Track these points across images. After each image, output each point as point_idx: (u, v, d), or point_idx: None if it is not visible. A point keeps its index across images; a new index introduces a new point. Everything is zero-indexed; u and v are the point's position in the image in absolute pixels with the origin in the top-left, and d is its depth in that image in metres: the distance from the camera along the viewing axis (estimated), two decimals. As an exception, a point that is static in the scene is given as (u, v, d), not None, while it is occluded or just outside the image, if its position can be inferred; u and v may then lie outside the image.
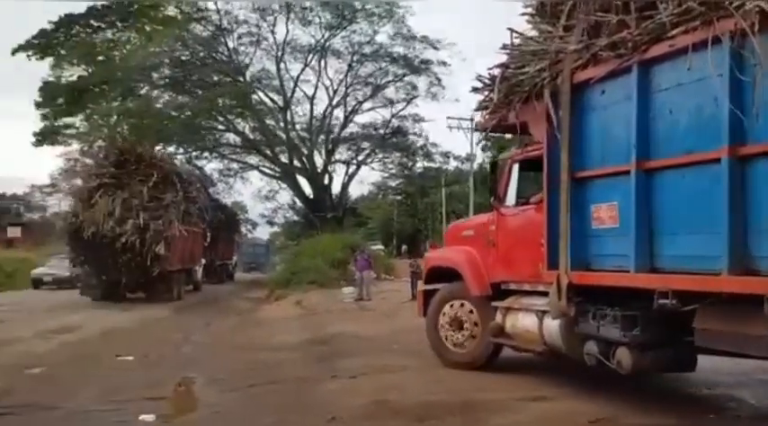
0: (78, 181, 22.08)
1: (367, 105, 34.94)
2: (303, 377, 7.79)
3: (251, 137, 33.68)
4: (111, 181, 19.19)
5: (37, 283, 27.01)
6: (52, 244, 36.17)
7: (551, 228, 6.07)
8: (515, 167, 7.18)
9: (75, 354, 9.98)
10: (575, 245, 5.85)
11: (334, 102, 33.86)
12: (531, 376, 7.25)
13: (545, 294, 6.23)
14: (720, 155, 4.58)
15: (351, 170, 35.18)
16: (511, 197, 7.21)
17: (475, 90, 7.09)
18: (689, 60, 4.76)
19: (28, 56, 29.06)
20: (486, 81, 6.97)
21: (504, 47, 6.74)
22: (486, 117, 7.00)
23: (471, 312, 7.69)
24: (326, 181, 34.39)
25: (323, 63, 33.06)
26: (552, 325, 6.28)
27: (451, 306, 7.91)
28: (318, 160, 34.12)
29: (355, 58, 32.84)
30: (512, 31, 6.75)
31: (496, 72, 6.77)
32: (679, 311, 5.00)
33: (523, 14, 6.71)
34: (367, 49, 32.64)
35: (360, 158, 34.98)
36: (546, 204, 6.18)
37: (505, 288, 7.23)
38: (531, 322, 6.60)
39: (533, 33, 6.68)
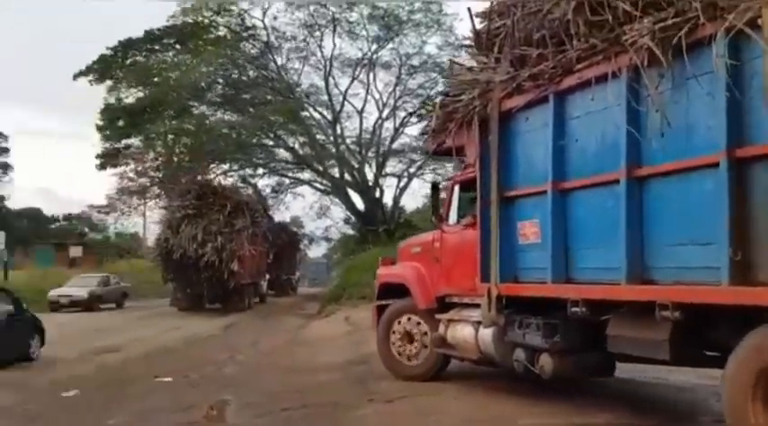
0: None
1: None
2: (338, 400, 7.60)
3: (301, 152, 33.61)
4: (193, 212, 23.56)
5: (55, 305, 23.78)
6: (111, 263, 37.69)
7: (484, 244, 6.56)
8: (456, 188, 7.71)
9: (114, 375, 10.05)
10: (503, 259, 6.35)
11: (384, 115, 32.97)
12: (562, 397, 6.83)
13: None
14: (619, 177, 5.09)
15: (402, 182, 34.20)
16: (452, 215, 7.72)
17: (419, 116, 7.60)
18: (593, 91, 5.32)
19: (90, 81, 30.51)
20: (429, 108, 7.47)
21: (445, 76, 7.27)
22: (429, 141, 7.52)
23: (420, 325, 8.12)
24: (377, 195, 33.71)
25: (371, 76, 32.44)
26: (486, 335, 6.73)
27: (403, 320, 8.32)
28: (369, 174, 33.52)
29: (404, 70, 32.12)
30: (452, 61, 7.27)
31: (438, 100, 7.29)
32: (596, 319, 5.47)
33: (463, 46, 7.22)
34: (415, 61, 31.82)
35: (411, 170, 33.88)
36: (479, 222, 6.68)
37: (449, 301, 7.68)
38: (469, 332, 7.05)
39: (473, 64, 7.20)
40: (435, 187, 8.19)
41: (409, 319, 8.19)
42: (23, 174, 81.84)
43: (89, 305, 24.44)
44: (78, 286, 25.62)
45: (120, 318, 22.26)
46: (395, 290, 8.56)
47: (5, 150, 50.25)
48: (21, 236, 45.42)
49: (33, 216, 53.91)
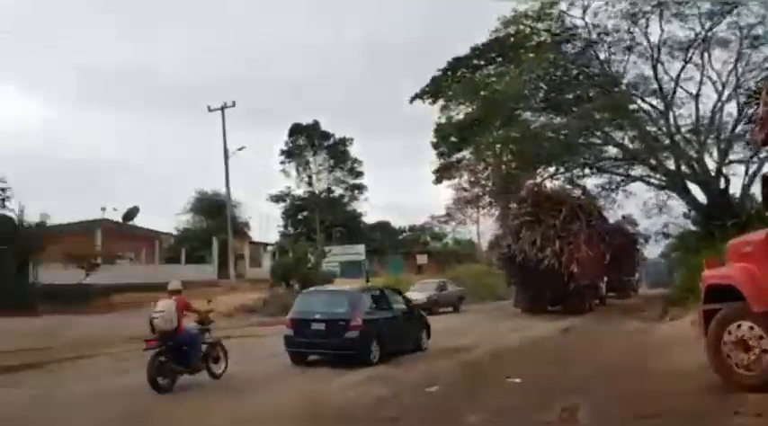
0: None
1: (765, 94, 30.48)
2: (697, 410, 7.11)
3: (631, 147, 32.15)
4: (530, 219, 25.00)
5: None
6: (451, 269, 41.86)
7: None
8: (793, 179, 6.93)
9: (468, 373, 10.86)
10: None
11: (724, 97, 29.06)
12: None
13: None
14: None
15: (752, 169, 29.66)
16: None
17: (746, 105, 7.15)
18: None
19: (424, 101, 33.75)
20: (756, 96, 6.97)
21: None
22: (756, 130, 6.96)
23: (756, 331, 7.47)
24: (722, 186, 30.18)
25: (706, 56, 29.16)
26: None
27: (735, 326, 7.71)
28: (710, 163, 30.19)
29: (746, 43, 28.16)
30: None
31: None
32: None
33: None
34: (759, 30, 27.63)
35: (762, 155, 28.28)
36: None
37: (790, 303, 6.93)
38: (819, 337, 6.30)
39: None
40: (767, 180, 7.44)
41: (743, 325, 7.57)
42: (375, 192, 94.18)
43: (428, 308, 26.22)
44: (418, 291, 28.36)
45: (463, 320, 24.07)
46: (723, 293, 7.99)
47: (360, 173, 58.41)
48: (376, 247, 52.57)
49: (384, 228, 61.98)
